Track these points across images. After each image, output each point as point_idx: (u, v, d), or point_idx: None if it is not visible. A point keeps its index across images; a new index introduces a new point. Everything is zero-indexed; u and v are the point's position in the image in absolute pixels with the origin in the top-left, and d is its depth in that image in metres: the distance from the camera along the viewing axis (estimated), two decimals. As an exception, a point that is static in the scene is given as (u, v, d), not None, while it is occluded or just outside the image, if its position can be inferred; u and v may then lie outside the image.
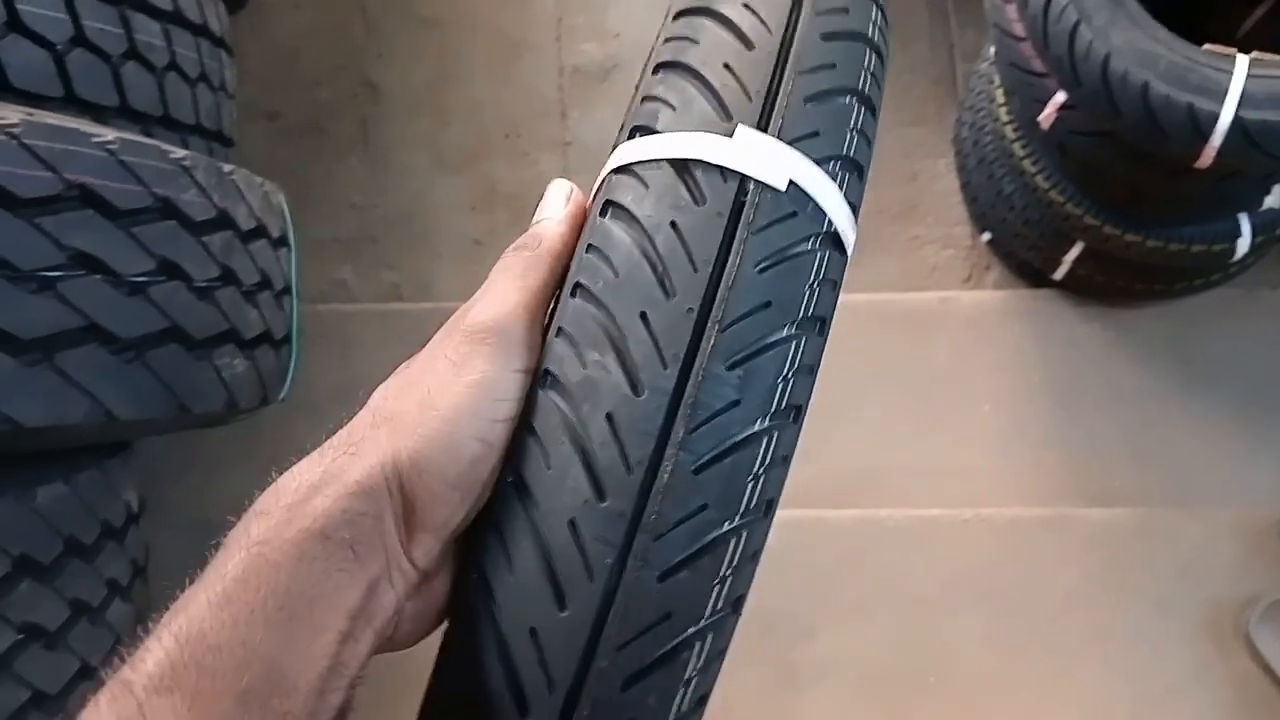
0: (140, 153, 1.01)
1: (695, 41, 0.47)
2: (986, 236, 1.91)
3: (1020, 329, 1.83)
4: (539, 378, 0.44)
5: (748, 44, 0.46)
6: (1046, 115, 1.42)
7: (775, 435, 0.43)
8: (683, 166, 0.43)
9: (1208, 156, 1.26)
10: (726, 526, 0.42)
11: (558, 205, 0.51)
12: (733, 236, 0.43)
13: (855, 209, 0.47)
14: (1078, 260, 1.68)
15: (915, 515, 1.69)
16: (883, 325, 1.85)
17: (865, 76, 0.47)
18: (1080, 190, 1.56)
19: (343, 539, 0.42)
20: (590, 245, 0.45)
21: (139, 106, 1.24)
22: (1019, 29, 1.39)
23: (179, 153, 1.07)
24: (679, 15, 0.49)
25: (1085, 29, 1.27)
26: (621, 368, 0.42)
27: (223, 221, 1.11)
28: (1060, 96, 1.38)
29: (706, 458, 0.41)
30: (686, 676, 0.42)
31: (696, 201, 0.43)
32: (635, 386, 0.41)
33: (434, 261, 2.04)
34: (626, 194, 0.44)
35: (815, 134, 0.45)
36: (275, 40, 2.18)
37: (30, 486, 1.01)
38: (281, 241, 1.29)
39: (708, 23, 0.47)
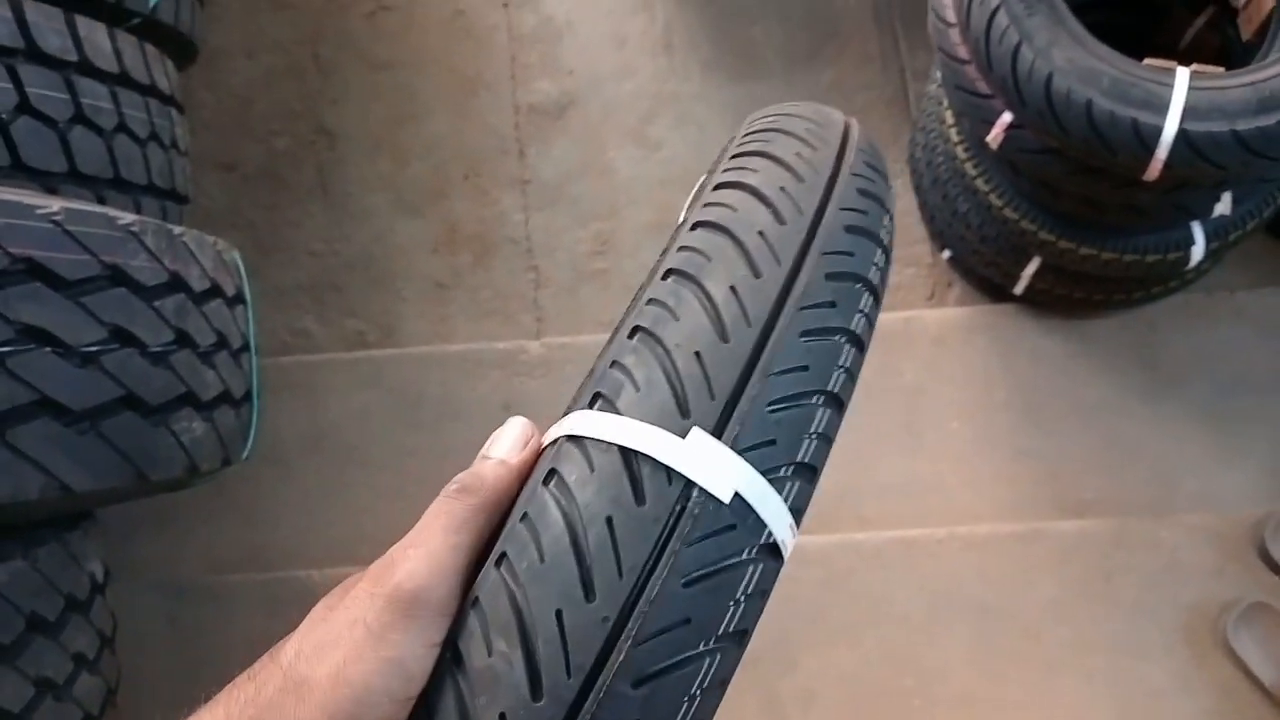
0: (87, 221, 1.00)
1: (676, 317, 0.46)
2: (946, 254, 1.92)
3: (984, 344, 1.84)
4: (446, 646, 0.43)
5: (723, 336, 0.45)
6: (995, 135, 1.43)
7: None
8: (632, 457, 0.43)
9: (1155, 169, 1.27)
10: None
11: (512, 449, 0.49)
12: (665, 545, 0.42)
13: (800, 514, 0.47)
14: (1036, 274, 1.69)
15: (891, 536, 1.69)
16: (849, 347, 1.86)
17: (838, 376, 0.48)
18: (1033, 206, 1.57)
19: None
20: (525, 514, 0.44)
21: (88, 171, 1.24)
22: (963, 52, 1.40)
23: (127, 218, 1.07)
24: (667, 274, 0.49)
25: (1027, 49, 1.29)
26: (525, 665, 0.41)
27: (175, 284, 1.10)
28: (1007, 116, 1.39)
29: None
30: None
31: (637, 500, 0.42)
32: (535, 690, 0.40)
33: (398, 305, 2.04)
34: (572, 471, 0.44)
35: (771, 443, 0.45)
36: (229, 90, 2.18)
37: (-12, 565, 1.00)
38: (237, 299, 1.28)
39: (691, 297, 0.47)
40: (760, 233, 0.48)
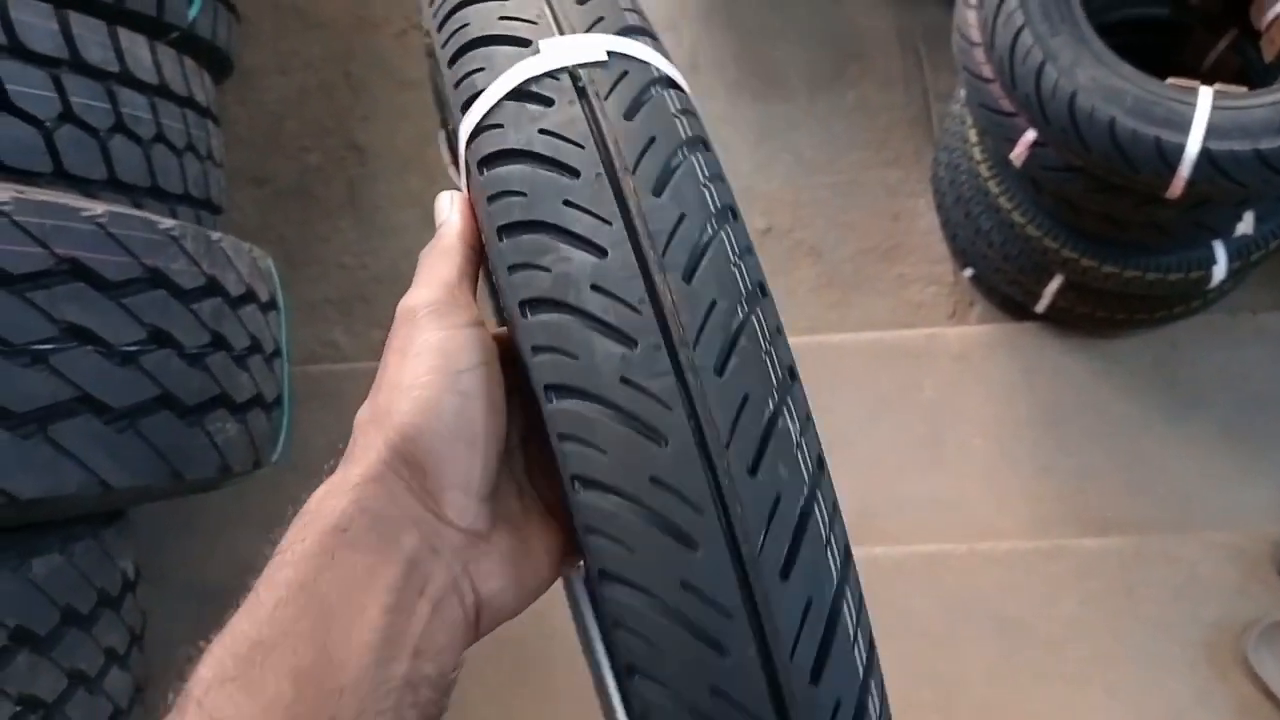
0: (129, 225, 1.03)
1: (468, 23, 0.51)
2: (969, 272, 1.93)
3: (1006, 362, 1.85)
4: (521, 309, 0.45)
5: None
6: (1018, 153, 1.45)
7: (728, 230, 0.46)
8: (519, 93, 0.47)
9: (1177, 187, 1.29)
10: (740, 311, 0.45)
11: (447, 207, 0.55)
12: (592, 110, 0.46)
13: (668, 58, 0.51)
14: (1058, 292, 1.70)
15: (913, 551, 1.69)
16: (872, 364, 1.87)
17: None
18: (1056, 224, 1.58)
19: (361, 527, 0.44)
20: (491, 196, 0.47)
21: (127, 179, 1.26)
22: (987, 71, 1.42)
23: (167, 223, 1.09)
24: (445, 17, 0.53)
25: (1051, 68, 1.30)
26: (578, 248, 0.44)
27: (212, 288, 1.13)
28: (1030, 134, 1.41)
29: (688, 265, 0.44)
30: (793, 440, 0.44)
31: (548, 105, 0.47)
32: (600, 252, 0.44)
33: (424, 318, 2.06)
34: (490, 142, 0.47)
35: (601, 19, 0.50)
36: (262, 106, 2.22)
37: (26, 558, 1.02)
38: (270, 305, 1.31)
39: (471, 9, 0.52)
40: None
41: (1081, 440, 1.78)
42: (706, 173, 0.47)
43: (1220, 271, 1.55)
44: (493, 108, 0.48)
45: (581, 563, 0.48)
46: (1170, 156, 1.27)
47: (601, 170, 0.45)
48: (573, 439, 0.43)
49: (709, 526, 0.42)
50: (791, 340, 1.80)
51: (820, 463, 0.46)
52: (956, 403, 1.83)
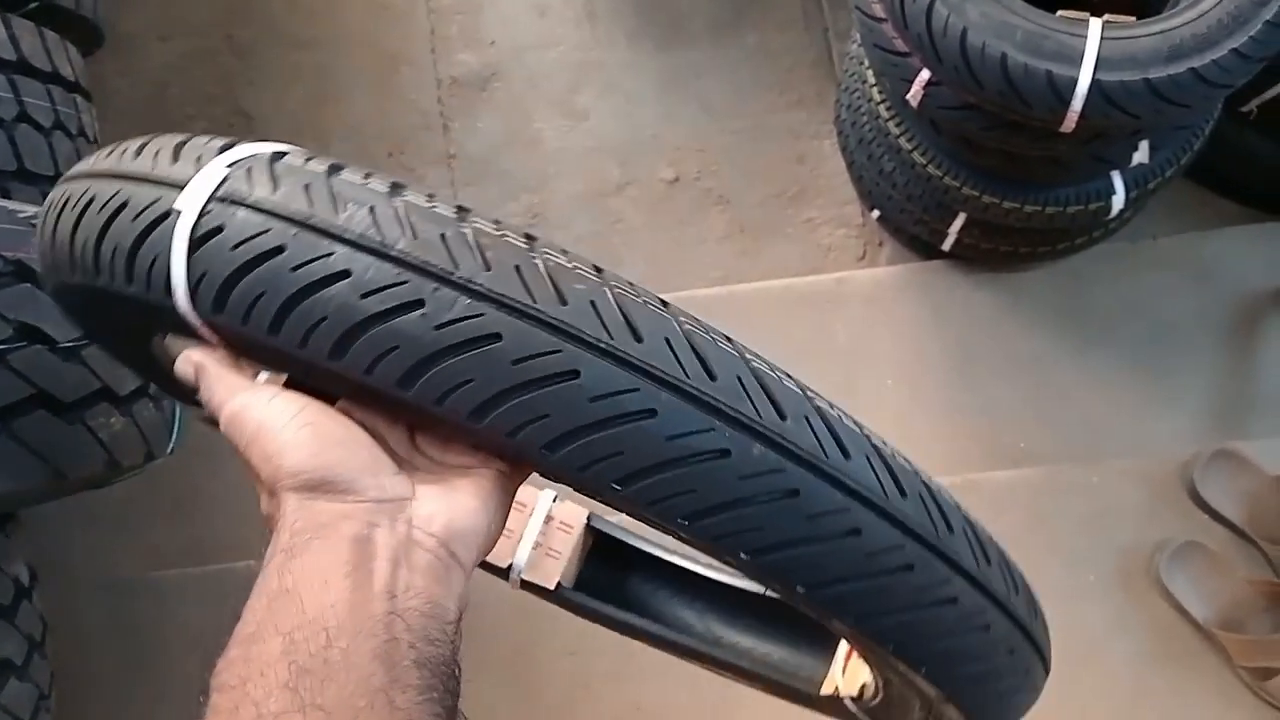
0: (-16, 216, 0.97)
1: (117, 243, 0.54)
2: (876, 214, 1.93)
3: (916, 302, 1.85)
4: (333, 356, 0.50)
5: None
6: (914, 93, 1.43)
7: (406, 195, 0.52)
8: (197, 243, 0.51)
9: (1071, 121, 1.28)
10: (462, 225, 0.51)
11: (188, 358, 0.57)
12: (251, 205, 0.50)
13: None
14: (963, 230, 1.71)
15: (831, 495, 1.70)
16: (784, 312, 1.86)
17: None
18: (956, 163, 1.58)
19: (302, 543, 0.49)
20: (243, 316, 0.51)
21: (-10, 163, 1.20)
22: (878, 9, 1.40)
23: (28, 210, 1.04)
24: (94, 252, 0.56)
25: (941, 6, 1.29)
26: (326, 287, 0.48)
27: (84, 277, 1.08)
28: (925, 74, 1.39)
29: (392, 236, 0.49)
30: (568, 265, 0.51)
31: (222, 231, 0.51)
32: (344, 275, 0.48)
33: (327, 288, 2.01)
34: (209, 288, 0.51)
35: (199, 156, 0.54)
36: (143, 75, 2.13)
37: (-99, 574, 0.97)
38: (153, 290, 1.25)
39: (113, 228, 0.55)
40: None
41: (991, 376, 1.80)
42: (359, 176, 0.52)
43: (1119, 202, 1.56)
44: (188, 269, 0.51)
45: None
46: (1062, 90, 1.26)
47: (294, 229, 0.49)
48: (450, 395, 0.48)
49: (575, 354, 0.48)
50: (703, 291, 1.81)
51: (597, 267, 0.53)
52: (869, 346, 1.83)
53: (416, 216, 0.49)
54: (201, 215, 0.50)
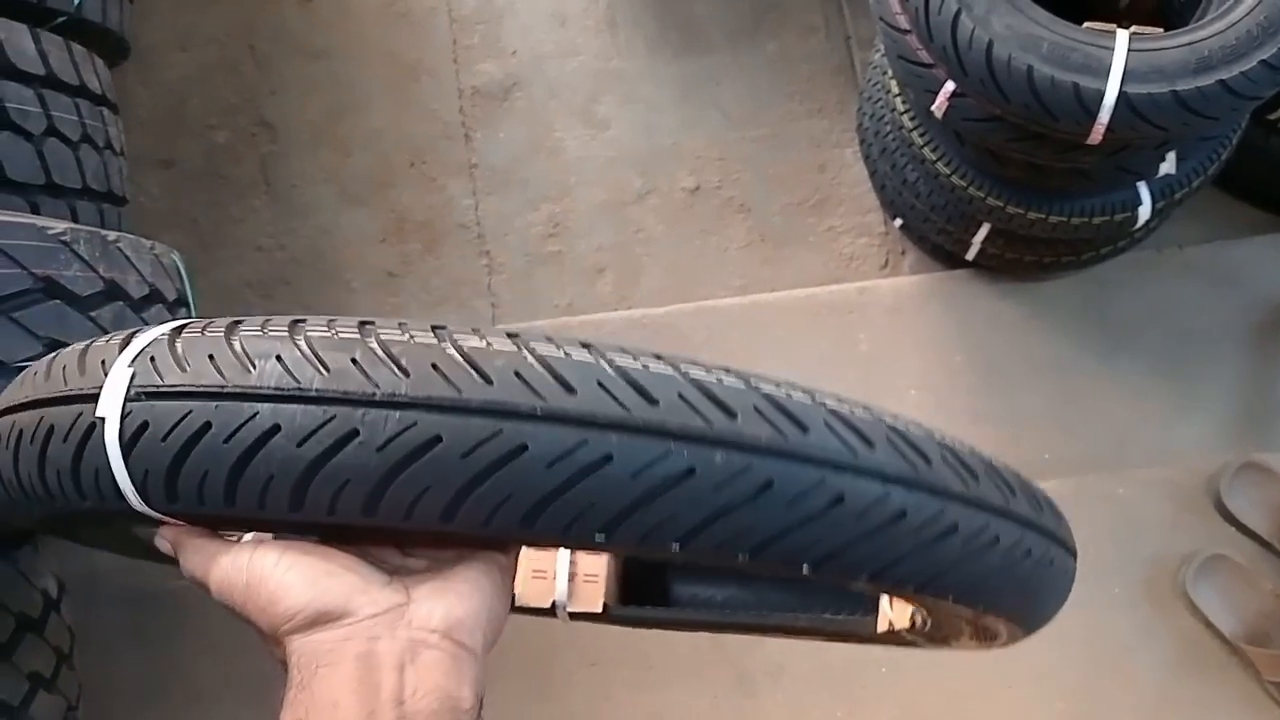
0: (13, 234, 0.98)
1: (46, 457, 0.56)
2: (898, 223, 1.92)
3: (939, 311, 1.84)
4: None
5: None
6: (939, 104, 1.43)
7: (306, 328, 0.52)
8: (130, 439, 0.51)
9: (1097, 133, 1.28)
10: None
11: (163, 538, 0.59)
12: (170, 389, 0.51)
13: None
14: (986, 240, 1.70)
15: (853, 506, 1.69)
16: (806, 322, 1.86)
17: None
18: (980, 173, 1.57)
19: (308, 674, 0.51)
20: (194, 496, 0.51)
21: (19, 177, 1.21)
22: (903, 21, 1.40)
23: (57, 227, 1.04)
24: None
25: (966, 18, 1.28)
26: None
27: (112, 293, 1.08)
28: (950, 86, 1.39)
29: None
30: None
31: (148, 429, 0.51)
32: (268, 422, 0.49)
33: (349, 298, 2.01)
34: (156, 474, 0.52)
35: (111, 339, 0.55)
36: (165, 85, 2.14)
37: (-67, 590, 0.98)
38: (179, 303, 1.26)
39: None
40: None
41: (1015, 385, 1.79)
42: (257, 327, 0.52)
43: (1145, 212, 1.55)
44: (129, 472, 0.51)
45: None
46: (1089, 103, 1.25)
47: (214, 403, 0.49)
48: (414, 508, 0.49)
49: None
50: (725, 301, 1.80)
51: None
52: (892, 355, 1.83)
53: (323, 349, 0.50)
54: (124, 417, 0.51)
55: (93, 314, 1.05)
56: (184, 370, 0.51)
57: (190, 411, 0.50)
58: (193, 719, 1.62)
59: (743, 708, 1.61)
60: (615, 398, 0.49)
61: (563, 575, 0.86)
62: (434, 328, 0.52)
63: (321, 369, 0.49)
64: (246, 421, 0.49)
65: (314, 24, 2.16)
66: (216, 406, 0.49)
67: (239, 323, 0.53)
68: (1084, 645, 1.59)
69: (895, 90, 1.66)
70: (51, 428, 0.54)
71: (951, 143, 1.59)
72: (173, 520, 0.55)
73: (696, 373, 0.52)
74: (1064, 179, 1.50)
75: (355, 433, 0.48)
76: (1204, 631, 1.59)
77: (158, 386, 0.51)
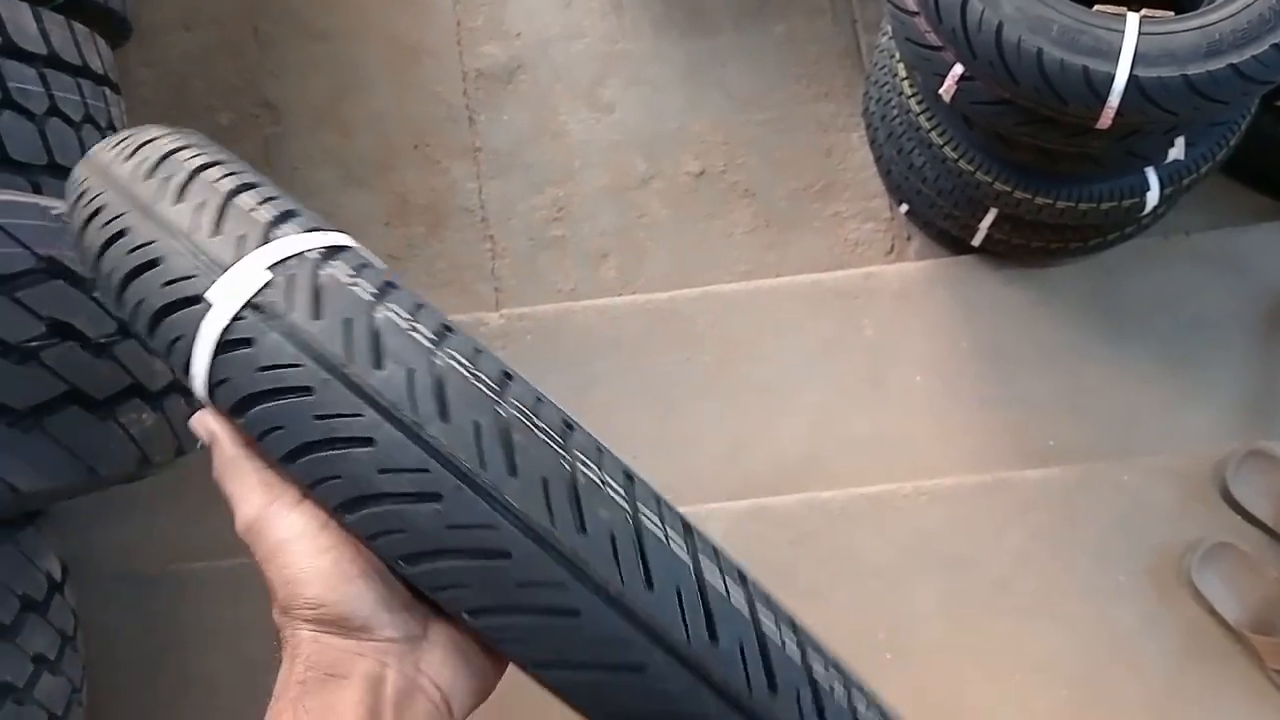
0: (18, 213, 0.97)
1: (143, 299, 0.53)
2: (904, 208, 1.91)
3: (945, 297, 1.83)
4: (338, 514, 0.50)
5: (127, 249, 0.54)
6: (947, 88, 1.42)
7: (450, 352, 0.49)
8: (223, 347, 0.49)
9: (1107, 117, 1.27)
10: (500, 413, 0.49)
11: (205, 425, 0.55)
12: (287, 328, 0.49)
13: (317, 225, 0.55)
14: (993, 225, 1.69)
15: (859, 493, 1.69)
16: (812, 307, 1.85)
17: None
18: (988, 158, 1.56)
19: (316, 680, 0.50)
20: (259, 436, 0.50)
21: (20, 157, 1.20)
22: (911, 3, 1.38)
23: (60, 207, 1.03)
24: (118, 292, 0.55)
25: (976, 0, 1.27)
26: (349, 448, 0.48)
27: (115, 274, 1.07)
28: (958, 69, 1.38)
29: (438, 408, 0.48)
30: (598, 480, 0.49)
31: (251, 345, 0.49)
32: (367, 442, 0.47)
33: (352, 281, 2.00)
34: (226, 395, 0.50)
35: (243, 235, 0.52)
36: (168, 66, 2.12)
37: (-64, 571, 0.97)
38: (182, 285, 1.25)
39: (139, 282, 0.54)
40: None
41: (1021, 371, 1.78)
42: (405, 313, 0.50)
43: (1153, 198, 1.54)
44: (210, 367, 0.50)
45: None
46: (1099, 86, 1.24)
47: (326, 374, 0.48)
48: (444, 589, 0.48)
49: (579, 592, 0.47)
50: (730, 287, 1.79)
51: (629, 475, 0.52)
52: (897, 341, 1.82)
53: (454, 392, 0.48)
54: (233, 320, 0.49)
55: (95, 294, 1.04)
56: (314, 319, 0.48)
57: (299, 366, 0.48)
58: (192, 701, 1.62)
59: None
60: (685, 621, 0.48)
61: None
62: (565, 424, 0.50)
63: (442, 416, 0.47)
64: (347, 416, 0.47)
65: (317, 5, 2.15)
66: (326, 381, 0.47)
67: (390, 287, 0.51)
68: (1089, 632, 1.59)
69: (902, 73, 1.65)
70: (157, 261, 0.52)
71: (959, 127, 1.58)
72: (226, 419, 0.52)
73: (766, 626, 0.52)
74: (1072, 164, 1.49)
75: (438, 497, 0.47)
76: (1209, 619, 1.58)
77: (280, 314, 0.49)
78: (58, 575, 1.19)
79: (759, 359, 1.82)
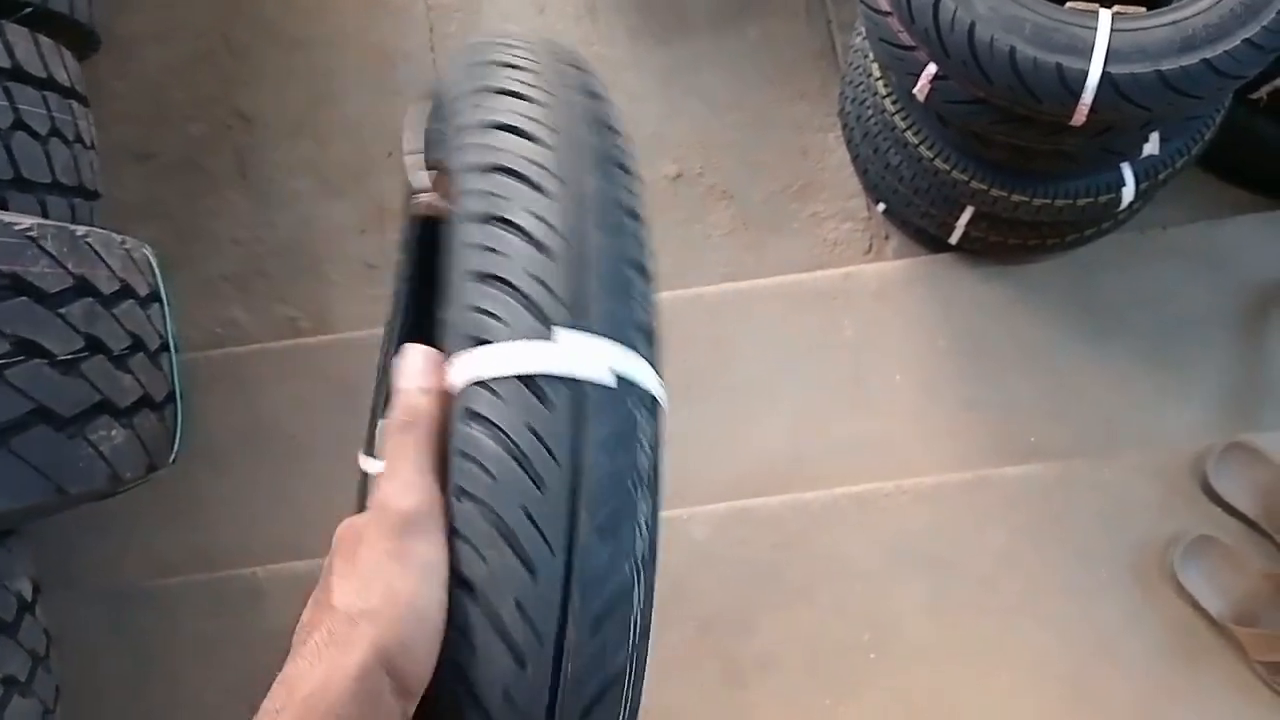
0: (-20, 230, 0.96)
1: (503, 254, 0.53)
2: (881, 207, 1.91)
3: (924, 296, 1.83)
4: (452, 579, 0.50)
5: (545, 251, 0.53)
6: (921, 87, 1.41)
7: (643, 578, 0.51)
8: (528, 380, 0.50)
9: (1081, 114, 1.26)
10: (623, 658, 0.51)
11: (423, 375, 0.54)
12: (580, 433, 0.50)
13: (658, 368, 0.55)
14: (970, 223, 1.69)
15: (841, 494, 1.68)
16: (790, 308, 1.84)
17: (641, 245, 0.57)
18: (964, 156, 1.56)
19: (351, 716, 0.47)
20: (463, 451, 0.50)
21: (-15, 173, 1.19)
22: (884, 3, 1.38)
23: (23, 222, 1.02)
24: (480, 220, 0.55)
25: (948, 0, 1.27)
26: (517, 558, 0.48)
27: (81, 289, 1.06)
28: (932, 68, 1.37)
29: (598, 615, 0.49)
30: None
31: (546, 406, 0.50)
32: (531, 571, 0.48)
33: (328, 290, 1.99)
34: (485, 406, 0.51)
35: (616, 315, 0.53)
36: (140, 77, 2.11)
37: (-98, 594, 0.96)
38: (152, 298, 1.24)
39: (506, 235, 0.54)
40: (537, 164, 0.56)
41: (1001, 369, 1.78)
42: (647, 514, 0.52)
43: (1129, 194, 1.54)
44: (498, 370, 0.51)
45: None
46: (1072, 84, 1.24)
47: (565, 494, 0.49)
48: None
49: None
50: (709, 289, 1.78)
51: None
52: (877, 341, 1.82)
53: (615, 624, 0.51)
54: (552, 375, 0.50)
55: (61, 310, 1.03)
56: (602, 452, 0.50)
57: (557, 466, 0.50)
58: (174, 715, 1.61)
59: (732, 699, 1.60)
60: None
61: None
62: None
63: (593, 632, 0.49)
64: (542, 539, 0.49)
65: (291, 13, 2.13)
66: (558, 494, 0.49)
67: (654, 477, 0.53)
68: (1074, 630, 1.59)
69: (877, 74, 1.64)
70: (543, 248, 0.53)
71: (934, 126, 1.57)
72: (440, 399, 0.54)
73: None
74: (1047, 161, 1.49)
75: (524, 664, 0.48)
76: (1192, 614, 1.58)
77: (577, 415, 0.50)
78: (29, 595, 1.18)
79: (739, 361, 1.82)
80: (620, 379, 0.52)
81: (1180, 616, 1.58)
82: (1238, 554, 1.57)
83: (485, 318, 0.52)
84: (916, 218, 1.82)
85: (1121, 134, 1.41)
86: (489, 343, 0.52)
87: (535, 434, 0.49)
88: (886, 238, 2.00)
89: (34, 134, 1.29)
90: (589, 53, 2.10)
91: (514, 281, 0.52)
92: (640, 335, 0.54)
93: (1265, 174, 1.90)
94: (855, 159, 1.93)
